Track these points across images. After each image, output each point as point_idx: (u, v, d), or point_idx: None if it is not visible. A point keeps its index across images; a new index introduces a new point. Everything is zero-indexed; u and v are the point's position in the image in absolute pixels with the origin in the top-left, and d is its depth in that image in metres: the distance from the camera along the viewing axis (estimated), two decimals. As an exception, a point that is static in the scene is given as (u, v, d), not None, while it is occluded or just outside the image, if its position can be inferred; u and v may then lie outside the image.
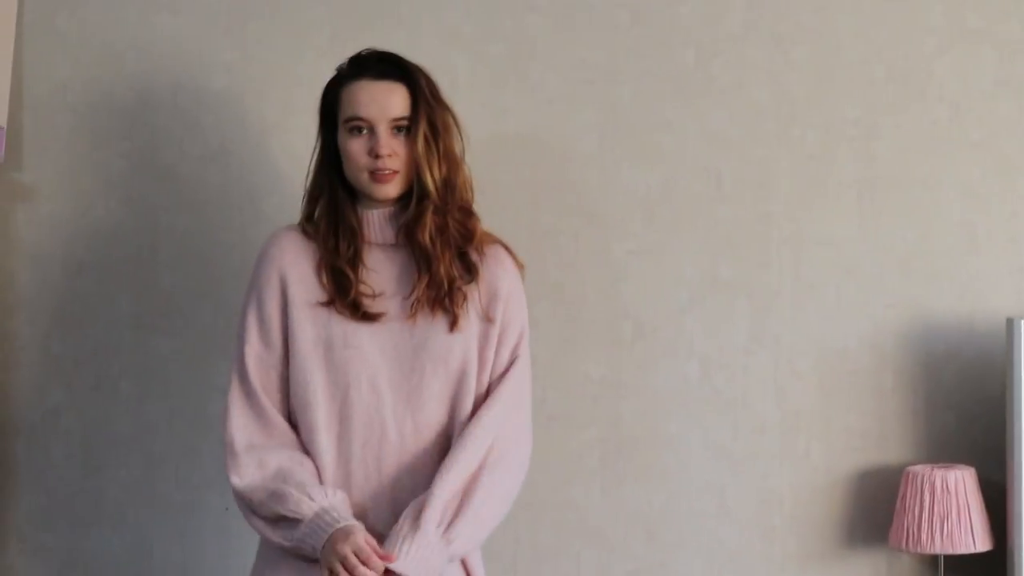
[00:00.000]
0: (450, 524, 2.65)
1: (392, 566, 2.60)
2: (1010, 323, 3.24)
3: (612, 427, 3.44)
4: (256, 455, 2.70)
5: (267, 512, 2.67)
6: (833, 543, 3.47)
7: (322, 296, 2.75)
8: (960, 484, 3.29)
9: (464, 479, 2.68)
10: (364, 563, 2.57)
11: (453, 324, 2.74)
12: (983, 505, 3.32)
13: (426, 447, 2.73)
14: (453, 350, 2.74)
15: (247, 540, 3.35)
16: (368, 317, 2.73)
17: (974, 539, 3.28)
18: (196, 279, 3.44)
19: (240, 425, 2.73)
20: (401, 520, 2.65)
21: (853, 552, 3.46)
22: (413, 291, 2.73)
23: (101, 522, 3.40)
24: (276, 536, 2.66)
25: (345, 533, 2.60)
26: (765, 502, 3.46)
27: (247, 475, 2.69)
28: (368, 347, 2.73)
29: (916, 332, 3.47)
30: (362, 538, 2.60)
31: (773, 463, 3.46)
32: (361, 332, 2.73)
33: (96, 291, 3.45)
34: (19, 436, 3.44)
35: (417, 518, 2.63)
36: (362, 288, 2.74)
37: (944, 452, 3.46)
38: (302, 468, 2.68)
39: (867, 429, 3.47)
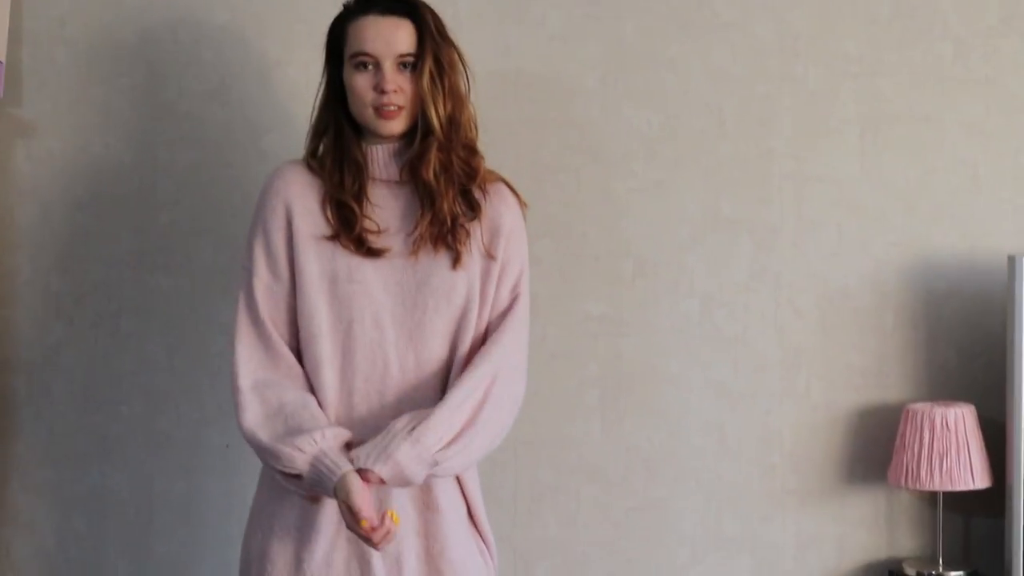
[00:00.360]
0: (444, 447, 2.65)
1: (373, 468, 2.61)
2: (1011, 260, 3.23)
3: (612, 365, 3.45)
4: (259, 394, 2.70)
5: (271, 464, 2.67)
6: (832, 480, 3.48)
7: (327, 230, 2.74)
8: (960, 421, 3.29)
9: (464, 411, 2.68)
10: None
11: (456, 261, 2.73)
12: (982, 442, 3.33)
13: (427, 382, 2.73)
14: (456, 287, 2.73)
15: (248, 477, 3.35)
16: (372, 252, 2.72)
17: (973, 476, 3.29)
18: (196, 216, 3.43)
19: (246, 358, 2.72)
20: (397, 424, 2.66)
21: (852, 489, 3.48)
22: (416, 227, 2.73)
23: (102, 459, 3.40)
24: (290, 484, 2.67)
25: (344, 492, 2.61)
26: (765, 440, 3.47)
27: (250, 418, 2.69)
28: (372, 282, 2.72)
29: (917, 270, 3.47)
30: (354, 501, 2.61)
31: (773, 401, 3.47)
32: (365, 267, 2.72)
33: (96, 228, 3.44)
34: (20, 373, 3.44)
35: (412, 430, 2.63)
36: (367, 224, 2.73)
37: (944, 390, 3.47)
38: (304, 408, 2.68)
39: (867, 367, 3.47)
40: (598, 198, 3.43)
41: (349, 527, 2.61)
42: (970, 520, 3.48)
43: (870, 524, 3.48)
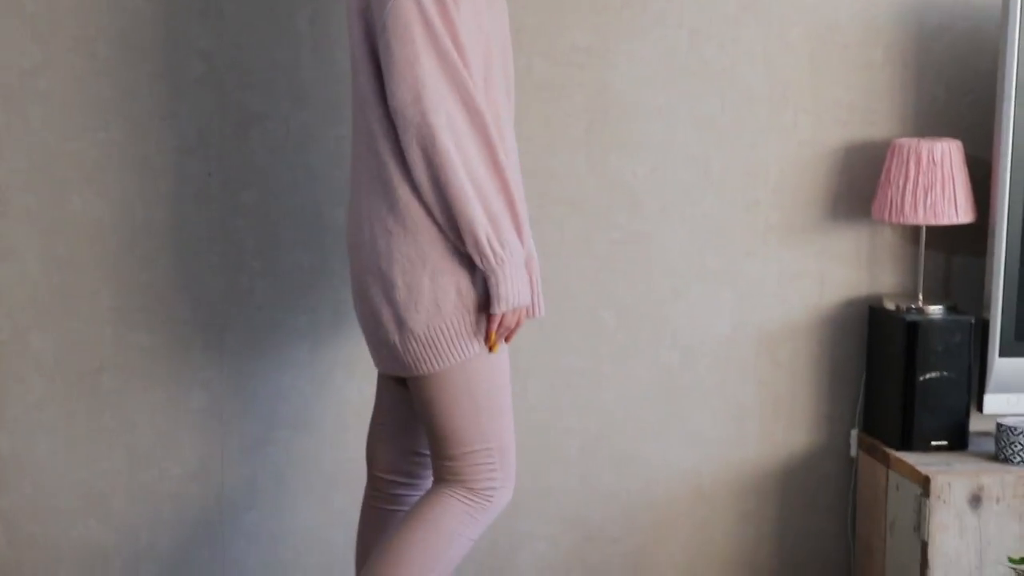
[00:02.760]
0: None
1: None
2: (1007, -7, 3.18)
3: (598, 97, 3.40)
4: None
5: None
6: (816, 216, 3.47)
7: None
8: (946, 156, 3.28)
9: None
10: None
11: None
12: (968, 178, 3.31)
13: None
14: None
15: (229, 208, 3.36)
16: None
17: (957, 211, 3.29)
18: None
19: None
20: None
21: (835, 225, 3.47)
22: None
23: (82, 184, 3.36)
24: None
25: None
26: (750, 174, 3.45)
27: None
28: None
29: (909, 4, 3.41)
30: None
31: (759, 135, 3.44)
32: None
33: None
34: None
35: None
36: None
37: (932, 127, 3.44)
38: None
39: (855, 102, 3.44)
40: None
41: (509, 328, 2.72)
42: (951, 257, 3.49)
43: (852, 260, 3.49)
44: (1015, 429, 3.23)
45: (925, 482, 3.13)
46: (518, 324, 2.74)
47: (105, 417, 3.39)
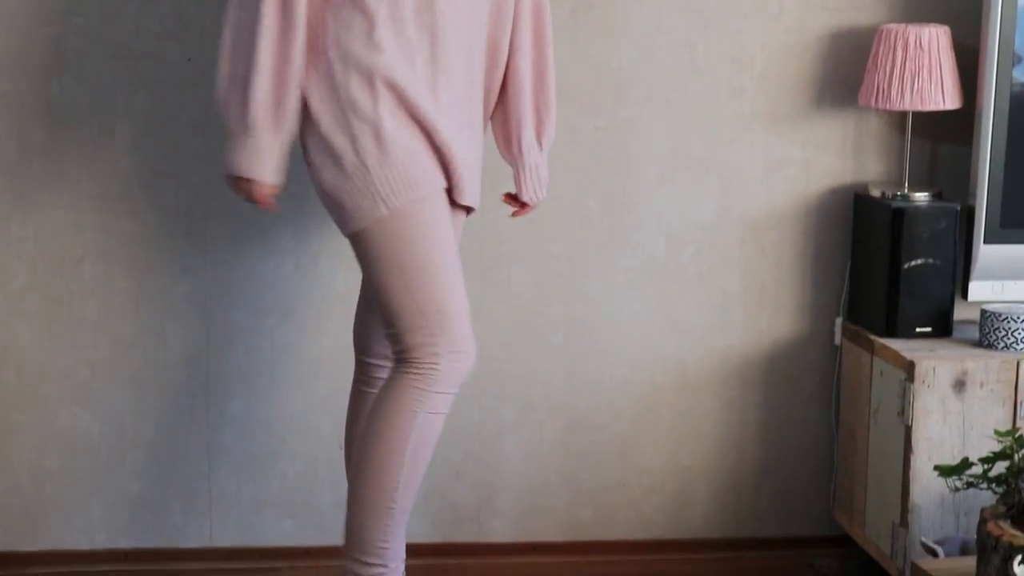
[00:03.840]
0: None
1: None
2: None
3: (583, -19, 3.37)
4: None
5: None
6: (802, 103, 3.45)
7: None
8: (934, 41, 3.25)
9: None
10: None
11: None
12: (955, 64, 3.30)
13: None
14: None
15: (204, 89, 3.31)
16: None
17: (944, 96, 3.27)
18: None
19: None
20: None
21: (821, 112, 3.46)
22: None
23: (60, 71, 3.30)
24: None
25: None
26: (736, 61, 3.43)
27: None
28: None
29: None
30: None
31: (745, 21, 3.41)
32: None
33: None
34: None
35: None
36: None
37: (920, 13, 3.42)
38: None
39: (843, -12, 3.42)
40: None
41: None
42: (937, 145, 3.48)
43: (838, 148, 3.48)
44: (999, 315, 3.23)
45: (909, 367, 3.14)
46: (259, 200, 2.78)
47: (89, 305, 3.37)
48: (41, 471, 3.40)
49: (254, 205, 2.82)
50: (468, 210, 2.92)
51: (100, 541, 3.43)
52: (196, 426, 3.42)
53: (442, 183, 2.78)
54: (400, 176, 2.71)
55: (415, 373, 2.75)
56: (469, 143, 2.84)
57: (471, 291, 3.32)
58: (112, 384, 3.40)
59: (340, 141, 2.73)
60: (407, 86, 2.72)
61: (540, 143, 2.98)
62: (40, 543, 3.42)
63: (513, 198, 3.00)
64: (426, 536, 3.47)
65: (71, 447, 3.40)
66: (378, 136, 2.71)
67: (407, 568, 2.88)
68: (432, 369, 2.75)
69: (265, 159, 2.75)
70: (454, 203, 2.83)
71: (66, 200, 3.34)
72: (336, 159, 2.73)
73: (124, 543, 3.44)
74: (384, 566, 2.82)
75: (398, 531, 2.80)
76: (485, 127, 2.96)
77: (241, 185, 2.79)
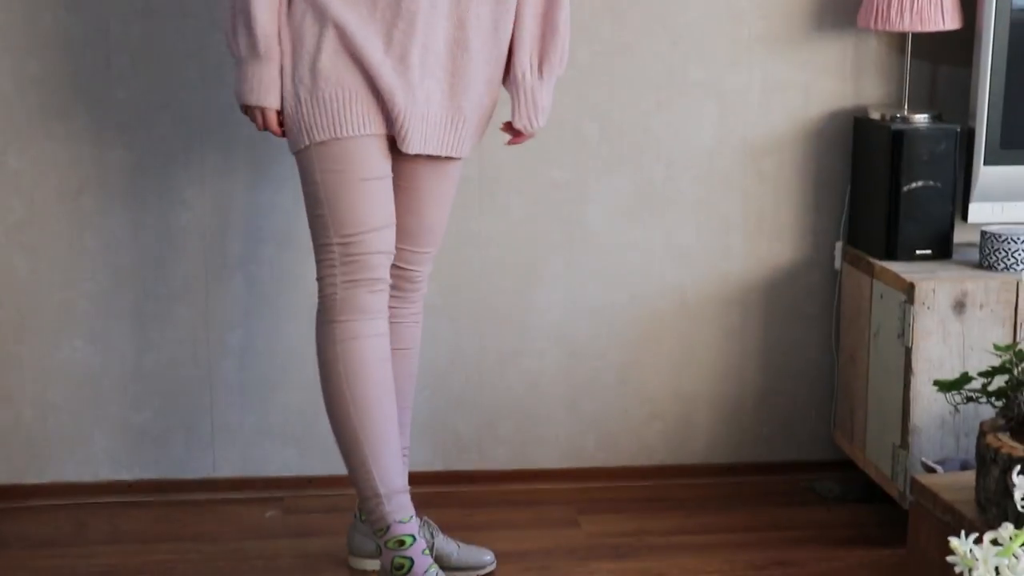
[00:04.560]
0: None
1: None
2: None
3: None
4: None
5: None
6: (801, 26, 3.43)
7: None
8: (933, -39, 3.23)
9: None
10: None
11: None
12: (954, -16, 3.28)
13: None
14: None
15: (205, 18, 3.30)
16: None
17: (944, 16, 3.25)
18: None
19: None
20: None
21: (821, 35, 3.44)
22: None
23: (54, 0, 3.29)
24: None
25: None
26: (734, -17, 3.41)
27: None
28: None
29: None
30: None
31: (743, -57, 3.39)
32: None
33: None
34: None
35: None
36: None
37: (918, -67, 3.39)
38: None
39: (841, -91, 3.39)
40: None
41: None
42: (937, 67, 3.46)
43: (837, 71, 3.46)
44: (999, 236, 3.23)
45: (909, 289, 3.13)
46: (268, 126, 2.84)
47: (87, 237, 3.37)
48: (43, 404, 3.41)
49: (266, 132, 2.86)
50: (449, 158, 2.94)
51: (103, 473, 3.44)
52: (197, 357, 3.42)
53: (380, 129, 2.81)
54: (326, 113, 2.78)
55: (321, 306, 2.88)
56: (441, 93, 2.84)
57: (471, 220, 3.33)
58: (112, 316, 3.40)
59: (288, 70, 2.80)
60: (356, 30, 2.76)
61: (540, 71, 2.94)
62: (43, 475, 3.43)
63: (510, 126, 2.99)
64: (428, 464, 3.48)
65: (73, 379, 3.41)
66: (313, 70, 2.78)
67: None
68: (331, 299, 2.86)
69: (269, 86, 2.79)
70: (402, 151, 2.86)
71: (63, 132, 3.32)
72: (285, 87, 2.80)
73: (127, 475, 3.45)
74: (376, 496, 2.85)
75: (381, 460, 2.86)
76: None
77: (253, 114, 2.84)
